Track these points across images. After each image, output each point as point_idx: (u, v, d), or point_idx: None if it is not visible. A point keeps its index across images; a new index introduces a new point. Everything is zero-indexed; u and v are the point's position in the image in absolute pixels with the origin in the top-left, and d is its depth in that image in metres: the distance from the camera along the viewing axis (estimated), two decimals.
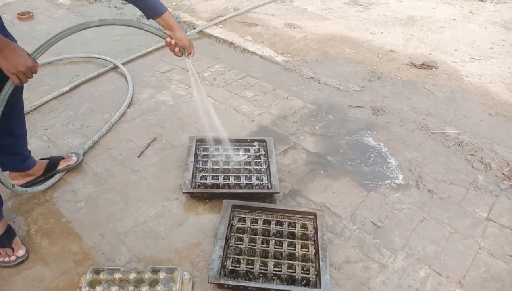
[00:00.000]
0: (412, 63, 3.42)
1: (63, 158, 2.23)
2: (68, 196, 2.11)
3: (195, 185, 2.11)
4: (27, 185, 2.09)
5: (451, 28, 4.11)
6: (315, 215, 1.92)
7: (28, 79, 1.53)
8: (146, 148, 2.44)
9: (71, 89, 2.96)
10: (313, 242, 1.82)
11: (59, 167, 2.20)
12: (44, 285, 1.70)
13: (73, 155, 2.27)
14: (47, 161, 2.18)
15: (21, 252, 1.78)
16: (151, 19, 1.74)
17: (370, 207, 2.09)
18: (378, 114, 2.80)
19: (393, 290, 1.70)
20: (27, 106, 2.64)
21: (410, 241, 1.92)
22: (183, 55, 1.89)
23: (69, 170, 2.24)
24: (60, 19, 4.13)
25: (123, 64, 3.28)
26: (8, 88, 1.54)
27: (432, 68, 3.35)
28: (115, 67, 3.26)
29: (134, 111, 2.77)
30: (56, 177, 2.18)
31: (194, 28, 3.93)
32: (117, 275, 1.63)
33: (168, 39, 1.81)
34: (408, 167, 2.34)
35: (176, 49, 1.85)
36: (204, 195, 2.07)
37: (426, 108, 2.87)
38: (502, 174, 2.30)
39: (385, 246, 1.89)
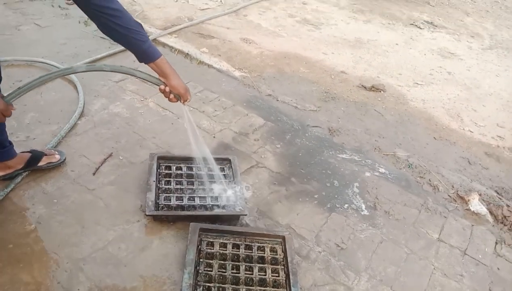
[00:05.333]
0: (362, 85, 3.59)
1: (45, 154, 2.13)
2: (15, 218, 1.92)
3: (159, 207, 2.02)
4: (4, 177, 2.03)
5: (395, 53, 4.39)
6: (283, 238, 1.92)
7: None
8: (101, 165, 2.29)
9: None
10: (283, 266, 1.82)
11: (41, 163, 2.11)
12: None
13: (56, 152, 2.19)
14: (29, 154, 2.08)
15: None
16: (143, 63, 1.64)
17: (333, 229, 2.14)
18: (335, 135, 2.89)
19: None
20: None
21: (372, 262, 1.99)
22: (179, 101, 1.79)
23: (50, 167, 2.17)
24: None
25: None
26: None
27: (380, 91, 3.54)
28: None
29: (85, 123, 2.60)
30: (11, 186, 2.05)
31: None
32: None
33: (162, 86, 1.70)
34: (365, 188, 2.44)
35: (171, 96, 1.75)
36: (168, 217, 1.99)
37: (378, 131, 3.02)
38: (449, 196, 2.48)
39: (349, 267, 1.95)
